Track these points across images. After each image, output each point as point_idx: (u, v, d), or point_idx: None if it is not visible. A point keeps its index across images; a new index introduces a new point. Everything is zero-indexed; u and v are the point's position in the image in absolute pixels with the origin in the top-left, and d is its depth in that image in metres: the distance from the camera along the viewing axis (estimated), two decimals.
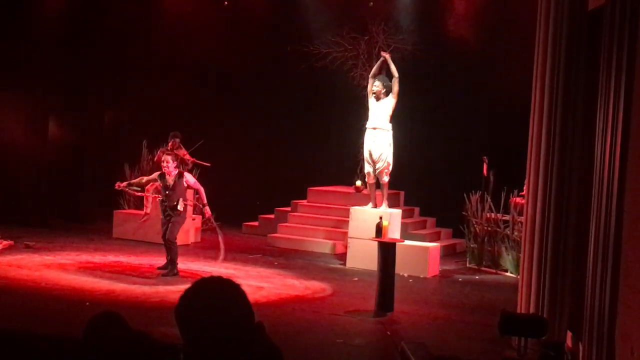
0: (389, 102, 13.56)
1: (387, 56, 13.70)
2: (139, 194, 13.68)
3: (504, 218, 13.65)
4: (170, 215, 11.79)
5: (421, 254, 13.08)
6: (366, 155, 13.91)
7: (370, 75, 13.93)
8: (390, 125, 13.69)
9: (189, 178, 11.95)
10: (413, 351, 6.91)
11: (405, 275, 12.58)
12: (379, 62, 13.91)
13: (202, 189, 11.97)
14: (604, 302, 6.58)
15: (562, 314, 7.99)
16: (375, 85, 13.61)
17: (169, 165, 11.74)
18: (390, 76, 13.60)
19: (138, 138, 16.46)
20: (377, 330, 9.63)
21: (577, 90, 7.95)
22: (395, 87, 13.47)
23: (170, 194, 11.76)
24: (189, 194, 12.73)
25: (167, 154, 12.14)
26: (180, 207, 11.71)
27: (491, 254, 13.72)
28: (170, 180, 11.77)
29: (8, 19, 15.79)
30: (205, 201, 11.95)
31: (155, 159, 14.30)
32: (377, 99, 13.61)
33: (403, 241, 12.10)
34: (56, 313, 9.26)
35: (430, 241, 14.43)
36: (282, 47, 17.32)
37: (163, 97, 17.34)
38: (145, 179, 12.65)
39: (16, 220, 15.00)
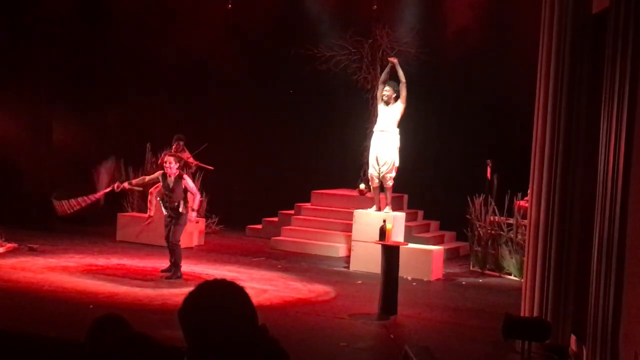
0: (398, 107, 13.63)
1: (395, 61, 13.77)
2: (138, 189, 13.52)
3: (507, 221, 13.63)
4: (172, 216, 11.82)
5: (425, 257, 13.07)
6: (372, 158, 13.92)
7: (380, 81, 14.05)
8: (397, 129, 13.75)
9: (188, 181, 11.98)
10: (416, 354, 6.90)
11: (409, 278, 12.57)
12: (387, 68, 13.97)
13: (197, 195, 12.03)
14: (608, 305, 6.58)
15: (565, 318, 7.98)
16: (385, 91, 13.70)
17: (171, 166, 11.80)
18: (397, 81, 13.64)
19: (142, 141, 16.46)
20: (380, 334, 9.62)
21: (580, 94, 7.94)
22: (403, 92, 13.53)
23: (170, 194, 11.80)
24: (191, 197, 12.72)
25: (170, 155, 12.24)
26: (181, 209, 11.73)
27: (495, 257, 13.70)
28: (170, 181, 11.80)
29: (8, 21, 15.80)
30: (194, 206, 11.99)
31: (159, 161, 14.31)
32: (387, 104, 13.70)
33: (407, 244, 12.08)
34: (59, 315, 9.27)
35: (433, 244, 14.42)
36: (286, 50, 17.32)
37: (166, 100, 17.33)
38: (147, 178, 12.69)
39: (20, 222, 14.99)
